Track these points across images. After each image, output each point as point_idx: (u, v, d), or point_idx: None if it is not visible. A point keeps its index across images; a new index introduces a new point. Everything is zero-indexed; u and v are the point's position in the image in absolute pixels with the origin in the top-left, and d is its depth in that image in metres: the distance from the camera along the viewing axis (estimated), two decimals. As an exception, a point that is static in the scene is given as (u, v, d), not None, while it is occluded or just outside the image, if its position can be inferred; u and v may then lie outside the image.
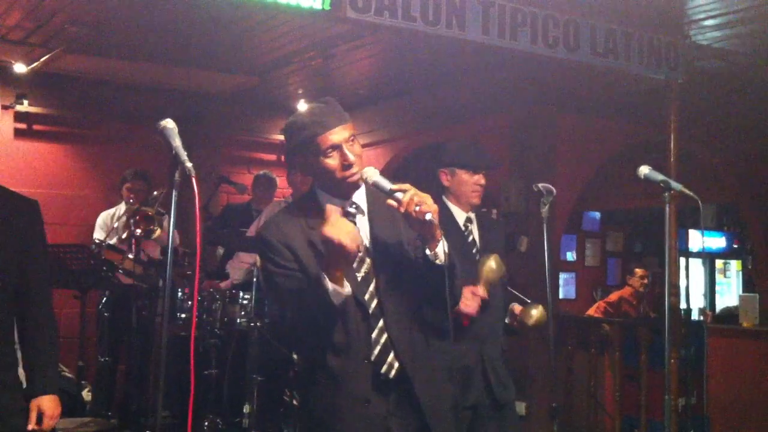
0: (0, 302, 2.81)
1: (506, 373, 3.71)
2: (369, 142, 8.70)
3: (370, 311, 2.56)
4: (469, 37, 4.90)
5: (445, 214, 3.61)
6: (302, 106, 8.59)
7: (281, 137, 9.00)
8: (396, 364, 2.57)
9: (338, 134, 2.56)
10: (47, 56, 6.94)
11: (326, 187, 2.65)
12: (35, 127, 7.71)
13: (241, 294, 5.51)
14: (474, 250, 3.72)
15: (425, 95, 7.64)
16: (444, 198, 3.75)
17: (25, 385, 2.90)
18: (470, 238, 3.75)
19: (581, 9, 5.17)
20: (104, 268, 5.48)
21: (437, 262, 2.51)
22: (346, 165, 2.55)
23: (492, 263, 3.54)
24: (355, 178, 2.57)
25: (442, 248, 2.52)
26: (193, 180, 2.62)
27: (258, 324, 5.28)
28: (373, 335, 2.57)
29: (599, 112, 7.35)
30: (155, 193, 6.08)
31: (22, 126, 7.70)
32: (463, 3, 4.87)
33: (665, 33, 5.48)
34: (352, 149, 2.57)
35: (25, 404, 2.86)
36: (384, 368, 2.57)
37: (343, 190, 2.62)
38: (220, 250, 6.98)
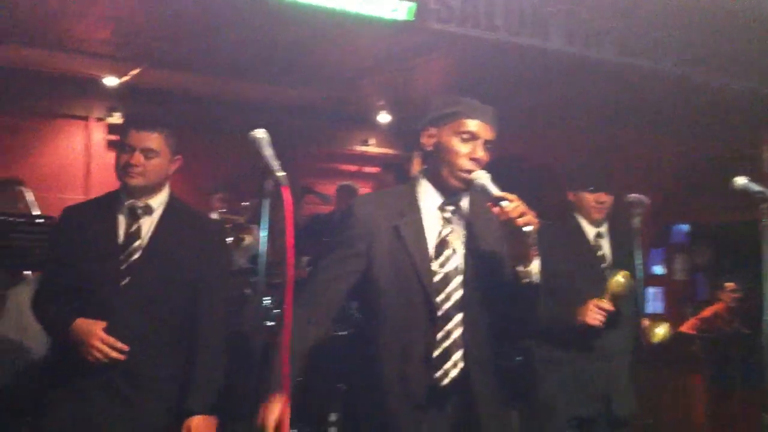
0: (151, 312, 2.84)
1: (630, 390, 3.67)
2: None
3: (440, 313, 2.52)
4: (553, 47, 4.85)
5: (573, 229, 3.70)
6: (383, 117, 8.65)
7: (362, 148, 9.09)
8: (454, 372, 2.51)
9: (483, 129, 2.58)
10: (136, 70, 7.17)
11: (434, 175, 2.63)
12: (126, 139, 7.92)
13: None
14: (603, 265, 3.72)
15: (505, 105, 7.57)
16: (574, 213, 3.78)
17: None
18: (599, 252, 3.76)
19: (666, 20, 5.07)
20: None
21: (527, 280, 2.48)
22: (473, 159, 2.54)
23: (620, 278, 3.51)
24: (469, 176, 2.54)
25: (535, 267, 2.48)
26: (285, 190, 2.65)
27: (343, 333, 5.28)
28: (438, 336, 2.52)
29: (683, 124, 7.17)
30: (244, 203, 6.17)
31: (114, 138, 7.93)
32: (547, 12, 4.82)
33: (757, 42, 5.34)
34: (484, 151, 2.57)
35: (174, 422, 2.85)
36: (441, 373, 2.51)
37: (449, 185, 2.59)
38: (304, 260, 7.03)
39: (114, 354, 2.73)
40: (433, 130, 2.63)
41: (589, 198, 3.71)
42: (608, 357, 3.60)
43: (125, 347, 2.75)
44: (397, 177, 5.93)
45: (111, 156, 7.97)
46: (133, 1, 5.39)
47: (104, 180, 7.71)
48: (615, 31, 4.92)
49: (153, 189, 2.92)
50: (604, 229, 3.79)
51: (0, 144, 7.44)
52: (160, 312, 2.85)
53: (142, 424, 2.82)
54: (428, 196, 2.62)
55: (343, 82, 7.29)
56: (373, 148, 9.15)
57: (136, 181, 2.87)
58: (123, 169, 2.88)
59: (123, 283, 2.80)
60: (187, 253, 2.90)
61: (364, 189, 7.61)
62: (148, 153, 2.87)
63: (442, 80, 7.28)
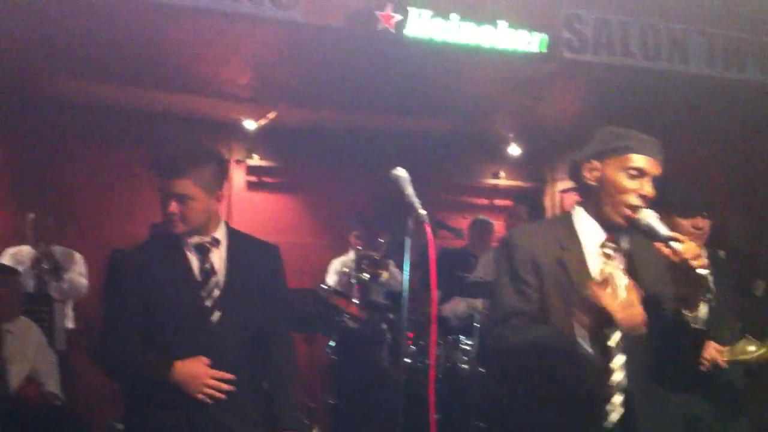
0: (243, 342, 2.90)
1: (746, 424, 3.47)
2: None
3: (612, 348, 2.41)
4: (693, 71, 4.70)
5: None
6: (513, 149, 8.59)
7: (493, 181, 9.04)
8: (615, 416, 2.41)
9: (651, 164, 2.49)
10: (273, 113, 7.43)
11: (595, 208, 2.53)
12: (264, 179, 8.22)
13: (461, 338, 5.51)
14: (708, 296, 3.50)
15: (642, 131, 7.37)
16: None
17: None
18: None
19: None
20: (331, 312, 5.69)
21: (694, 325, 2.37)
22: (641, 195, 2.45)
23: (750, 347, 3.32)
24: (634, 214, 2.44)
25: (702, 312, 2.39)
26: (428, 227, 2.67)
27: (481, 369, 5.24)
28: (611, 373, 2.42)
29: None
30: (381, 239, 6.24)
31: (253, 179, 8.25)
32: (685, 36, 4.69)
33: None
34: (651, 187, 2.48)
35: None
36: (601, 416, 2.41)
37: (611, 220, 2.49)
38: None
39: (225, 387, 2.78)
40: (596, 164, 2.53)
41: (685, 224, 3.42)
42: (717, 388, 3.38)
43: (231, 376, 2.79)
44: (530, 210, 5.84)
45: (251, 197, 8.37)
46: (271, 47, 5.60)
47: (246, 220, 8.01)
48: (758, 51, 4.73)
49: (207, 226, 2.89)
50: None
51: (152, 184, 7.78)
52: (247, 339, 2.91)
53: None
54: (588, 230, 2.52)
55: (474, 114, 7.30)
56: (503, 180, 9.08)
57: (179, 230, 2.83)
58: (165, 218, 2.84)
59: (213, 318, 2.84)
60: (258, 278, 2.94)
61: (496, 222, 7.55)
62: (181, 199, 2.79)
63: (573, 109, 7.18)
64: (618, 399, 2.41)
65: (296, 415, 2.96)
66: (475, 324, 5.32)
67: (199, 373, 2.75)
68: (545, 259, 2.48)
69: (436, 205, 8.64)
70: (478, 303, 5.38)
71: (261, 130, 7.93)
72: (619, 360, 2.43)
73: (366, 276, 5.89)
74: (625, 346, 2.42)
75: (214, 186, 2.83)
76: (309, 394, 6.06)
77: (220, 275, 2.87)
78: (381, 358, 5.66)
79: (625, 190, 2.46)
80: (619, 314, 2.23)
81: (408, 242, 2.81)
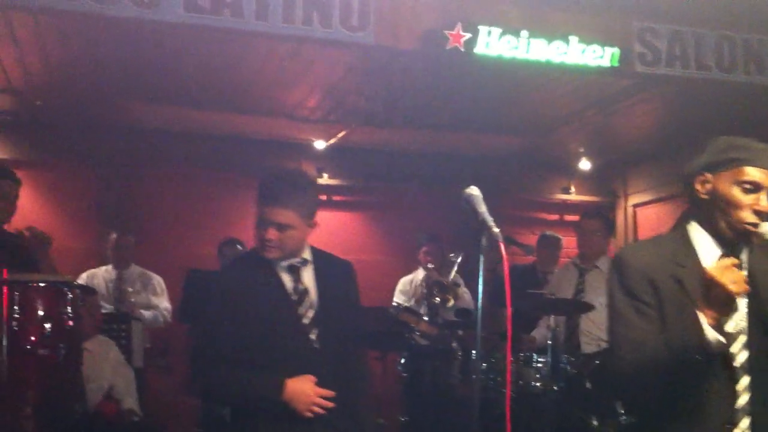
0: (337, 358, 2.95)
1: None
2: (652, 199, 8.40)
3: (737, 369, 2.31)
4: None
5: None
6: (584, 164, 8.51)
7: (563, 196, 8.96)
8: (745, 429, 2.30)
9: (767, 177, 2.36)
10: (343, 132, 7.53)
11: (709, 223, 2.40)
12: (334, 198, 8.33)
13: (534, 357, 5.46)
14: None
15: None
16: None
17: None
18: None
19: None
20: (402, 330, 5.72)
21: None
22: (757, 211, 2.33)
23: None
24: (752, 229, 2.33)
25: None
26: (502, 245, 2.68)
27: (554, 388, 5.19)
28: (737, 396, 2.30)
29: None
30: (451, 255, 6.25)
31: (323, 198, 8.33)
32: (761, 47, 4.59)
33: None
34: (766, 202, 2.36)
35: None
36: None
37: (727, 235, 2.37)
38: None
39: (328, 404, 2.83)
40: (707, 176, 2.40)
41: None
42: None
43: (333, 394, 2.84)
44: (604, 225, 5.77)
45: (320, 215, 8.44)
46: (342, 68, 5.68)
47: (315, 239, 8.08)
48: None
49: (297, 249, 2.97)
50: None
51: (222, 205, 8.01)
52: (341, 354, 2.96)
53: None
54: (704, 245, 2.39)
55: (543, 129, 7.27)
56: (573, 195, 9.00)
57: (272, 255, 2.91)
58: (260, 242, 2.91)
59: (312, 335, 2.91)
60: (340, 294, 3.02)
61: (567, 238, 7.48)
62: (282, 228, 2.87)
63: (645, 123, 7.08)
64: (745, 423, 2.29)
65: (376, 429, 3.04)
66: (548, 342, 5.27)
67: (307, 390, 2.81)
68: (661, 277, 2.36)
69: (506, 221, 8.61)
70: (551, 320, 5.33)
71: (330, 150, 8.04)
72: (744, 381, 2.32)
73: (436, 300, 5.96)
74: (749, 367, 2.31)
75: (311, 214, 2.95)
76: (380, 411, 6.09)
77: (313, 294, 2.94)
78: (451, 375, 5.66)
79: (739, 205, 2.33)
80: (733, 288, 2.16)
81: (482, 260, 2.83)
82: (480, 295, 2.82)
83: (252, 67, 5.71)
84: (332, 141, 7.84)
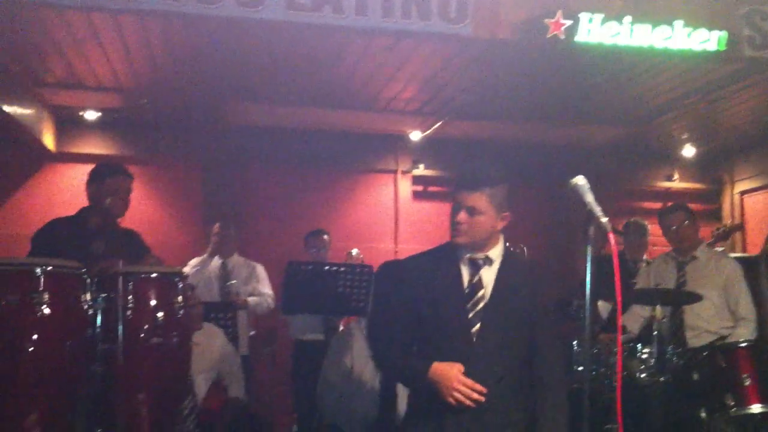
0: (499, 357, 2.94)
1: None
2: (761, 185, 8.14)
3: None
4: None
5: None
6: (688, 150, 8.29)
7: (666, 184, 8.74)
8: None
9: None
10: (439, 123, 7.53)
11: None
12: (430, 188, 8.36)
13: (639, 348, 5.35)
14: None
15: None
16: None
17: None
18: None
19: None
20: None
21: None
22: None
23: None
24: None
25: None
26: (610, 235, 2.64)
27: (661, 379, 5.07)
28: None
29: None
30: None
31: (419, 188, 8.42)
32: None
33: None
34: None
35: None
36: None
37: None
38: (601, 303, 6.83)
39: (475, 396, 2.83)
40: None
41: None
42: None
43: (483, 389, 2.84)
44: (685, 216, 5.55)
45: (417, 206, 8.50)
46: (439, 60, 5.68)
47: (411, 229, 8.19)
48: None
49: (485, 244, 3.00)
50: None
51: (316, 198, 8.16)
52: (507, 356, 2.94)
53: None
54: None
55: (645, 117, 7.10)
56: (677, 183, 8.76)
57: (460, 239, 2.97)
58: (452, 226, 3.00)
59: (473, 329, 2.92)
60: (525, 298, 2.98)
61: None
62: (471, 211, 2.95)
63: (751, 108, 6.83)
64: None
65: None
66: (654, 332, 5.15)
67: (450, 376, 2.84)
68: None
69: (607, 211, 8.43)
70: (657, 311, 5.20)
71: (426, 141, 8.07)
72: None
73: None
74: None
75: (502, 206, 2.97)
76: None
77: (487, 291, 2.97)
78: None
79: None
80: None
81: (590, 251, 2.80)
82: (588, 286, 2.79)
83: (349, 62, 5.77)
84: (428, 132, 7.86)
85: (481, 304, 2.95)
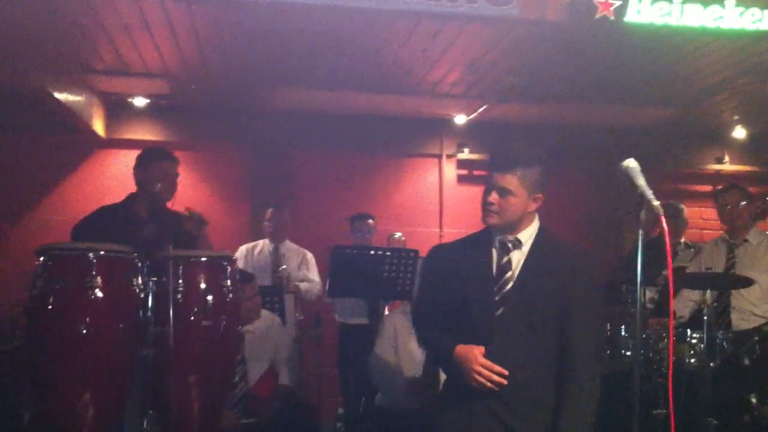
0: (523, 341, 2.92)
1: None
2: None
3: None
4: None
5: None
6: (738, 132, 8.13)
7: (716, 167, 8.59)
8: None
9: None
10: (484, 107, 7.48)
11: None
12: (475, 172, 8.31)
13: (689, 332, 5.29)
14: None
15: None
16: None
17: None
18: None
19: None
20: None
21: None
22: None
23: None
24: None
25: None
26: (662, 219, 2.61)
27: (711, 364, 5.01)
28: None
29: None
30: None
31: (464, 172, 8.39)
32: None
33: None
34: None
35: None
36: None
37: None
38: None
39: (496, 378, 2.83)
40: None
41: None
42: None
43: (505, 372, 2.83)
44: (741, 196, 5.45)
45: (462, 190, 8.47)
46: (485, 43, 5.64)
47: (456, 213, 8.16)
48: None
49: (517, 225, 2.98)
50: None
51: (361, 183, 8.19)
52: (533, 341, 2.91)
53: None
54: None
55: (694, 98, 6.97)
56: (728, 165, 8.60)
57: (491, 220, 2.97)
58: (483, 207, 3.00)
59: (497, 313, 2.91)
60: (555, 282, 2.92)
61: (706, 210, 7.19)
62: (503, 192, 2.92)
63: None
64: None
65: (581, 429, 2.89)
66: (704, 317, 5.08)
67: (471, 357, 2.85)
68: None
69: (657, 194, 8.29)
70: (707, 296, 5.12)
71: (471, 125, 8.02)
72: None
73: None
74: None
75: (535, 188, 2.95)
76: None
77: (515, 273, 2.95)
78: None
79: None
80: None
81: (641, 234, 2.77)
82: (639, 270, 2.76)
83: (395, 46, 5.75)
84: (473, 116, 7.81)
85: (508, 287, 2.94)
